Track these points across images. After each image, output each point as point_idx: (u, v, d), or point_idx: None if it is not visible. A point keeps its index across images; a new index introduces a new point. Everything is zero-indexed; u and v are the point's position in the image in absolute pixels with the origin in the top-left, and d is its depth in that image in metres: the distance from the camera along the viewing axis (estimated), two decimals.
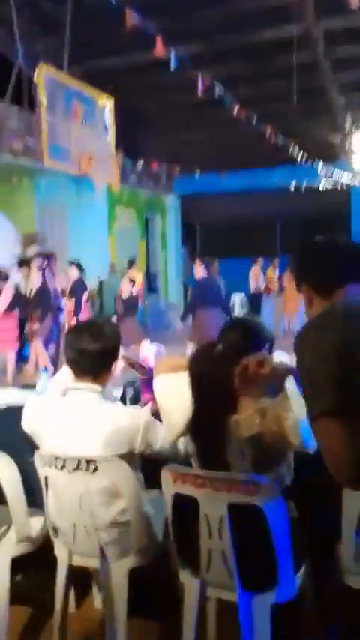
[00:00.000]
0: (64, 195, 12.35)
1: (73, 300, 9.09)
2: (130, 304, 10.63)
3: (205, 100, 8.70)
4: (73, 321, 8.61)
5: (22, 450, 2.53)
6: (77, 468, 1.97)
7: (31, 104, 10.01)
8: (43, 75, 8.55)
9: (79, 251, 13.02)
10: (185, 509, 1.89)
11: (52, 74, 9.07)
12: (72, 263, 9.52)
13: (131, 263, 12.21)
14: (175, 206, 16.66)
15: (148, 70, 10.76)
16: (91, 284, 12.19)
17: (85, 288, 9.56)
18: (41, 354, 8.02)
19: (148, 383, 2.64)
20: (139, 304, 11.44)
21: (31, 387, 3.17)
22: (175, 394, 2.03)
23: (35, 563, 2.37)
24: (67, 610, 2.25)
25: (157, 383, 2.19)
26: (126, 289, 10.55)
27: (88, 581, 2.53)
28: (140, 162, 12.18)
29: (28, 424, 2.20)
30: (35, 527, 2.30)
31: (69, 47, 10.51)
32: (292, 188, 14.22)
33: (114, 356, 2.19)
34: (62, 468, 2.00)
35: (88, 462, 1.96)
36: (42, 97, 8.47)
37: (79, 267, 9.35)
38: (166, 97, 12.17)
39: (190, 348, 2.44)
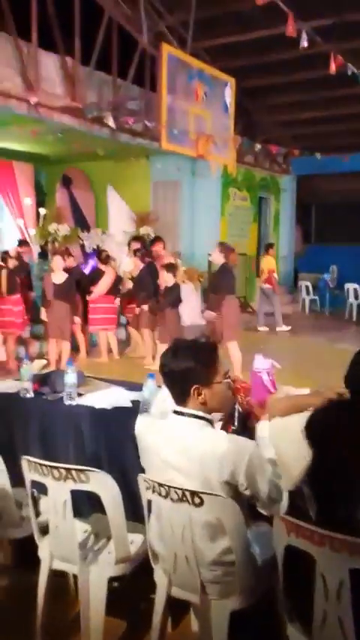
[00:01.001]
0: (179, 174, 12.28)
1: None
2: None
3: (328, 77, 8.15)
4: None
5: (128, 453, 2.48)
6: (181, 499, 1.85)
7: (153, 84, 9.99)
8: (166, 54, 8.40)
9: (190, 231, 13.00)
10: (298, 559, 1.70)
11: (175, 53, 8.92)
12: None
13: (269, 247, 12.07)
14: (290, 187, 16.09)
15: (270, 47, 10.31)
16: (199, 265, 12.13)
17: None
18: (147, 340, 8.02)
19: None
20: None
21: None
22: (293, 439, 1.83)
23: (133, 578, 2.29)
24: (165, 634, 2.16)
25: (273, 426, 2.01)
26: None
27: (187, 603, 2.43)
28: (258, 143, 11.78)
29: (138, 439, 2.12)
30: (136, 545, 2.22)
31: (193, 25, 10.32)
32: None
33: (197, 378, 1.99)
34: (166, 496, 1.88)
35: (193, 494, 1.83)
36: (163, 77, 8.36)
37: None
38: (288, 75, 11.62)
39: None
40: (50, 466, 2.03)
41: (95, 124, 9.74)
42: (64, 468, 2.02)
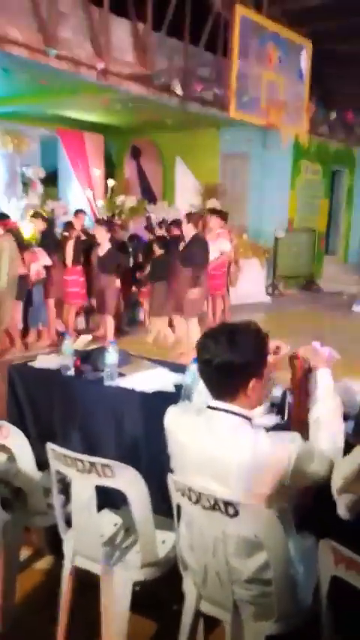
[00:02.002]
0: (249, 146, 11.81)
1: None
2: None
3: None
4: None
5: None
6: (213, 507, 1.62)
7: (226, 51, 9.55)
8: (239, 15, 7.95)
9: (258, 206, 12.55)
10: (349, 591, 1.44)
11: (248, 15, 8.44)
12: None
13: None
14: None
15: (353, 11, 9.58)
16: (266, 241, 11.71)
17: None
18: None
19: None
20: None
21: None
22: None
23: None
24: None
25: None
26: None
27: None
28: (334, 112, 11.09)
29: (167, 434, 1.88)
30: (167, 546, 2.03)
31: None
32: None
33: (255, 372, 1.73)
34: (197, 502, 1.66)
35: (227, 504, 1.59)
36: (235, 40, 7.93)
37: None
38: None
39: None
40: (74, 458, 1.86)
41: (164, 93, 9.44)
42: (88, 461, 1.83)
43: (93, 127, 12.37)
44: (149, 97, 9.51)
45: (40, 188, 11.75)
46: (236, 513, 1.59)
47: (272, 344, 1.88)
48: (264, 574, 1.69)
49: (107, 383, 2.78)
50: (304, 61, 9.90)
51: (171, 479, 1.75)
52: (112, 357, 2.76)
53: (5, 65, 7.54)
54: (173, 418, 1.85)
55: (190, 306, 6.32)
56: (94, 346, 3.33)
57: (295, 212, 12.68)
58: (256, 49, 8.73)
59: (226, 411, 1.73)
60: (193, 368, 2.54)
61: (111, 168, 13.75)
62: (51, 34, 7.87)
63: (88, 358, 3.05)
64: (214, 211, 8.44)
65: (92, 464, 1.83)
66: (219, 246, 7.89)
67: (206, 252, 6.59)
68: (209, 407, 1.77)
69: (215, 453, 1.68)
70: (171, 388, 2.72)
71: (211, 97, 9.81)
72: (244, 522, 1.61)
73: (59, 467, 1.94)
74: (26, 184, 11.75)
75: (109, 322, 6.89)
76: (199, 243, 6.46)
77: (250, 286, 11.02)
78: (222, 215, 8.23)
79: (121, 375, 2.91)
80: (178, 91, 8.16)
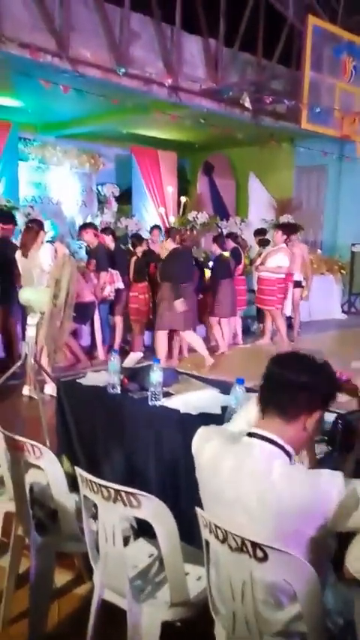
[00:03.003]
0: (325, 159, 11.49)
1: None
2: None
3: None
4: None
5: None
6: (241, 549, 1.45)
7: (299, 63, 9.37)
8: (311, 25, 7.77)
9: (334, 219, 12.16)
10: None
11: (321, 25, 8.24)
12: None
13: None
14: None
15: None
16: (342, 256, 11.29)
17: None
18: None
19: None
20: None
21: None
22: None
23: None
24: None
25: None
26: None
27: None
28: None
29: (197, 461, 1.74)
30: (200, 584, 1.87)
31: None
32: None
33: (323, 404, 1.64)
34: (223, 541, 1.50)
35: (255, 545, 1.43)
36: (307, 51, 7.74)
37: None
38: None
39: None
40: (100, 484, 1.75)
41: (235, 107, 9.38)
42: (113, 489, 1.72)
43: (166, 145, 12.49)
44: (220, 111, 9.48)
45: (114, 206, 11.99)
46: (265, 557, 1.42)
47: None
48: (296, 625, 1.50)
49: (151, 403, 2.67)
50: None
51: (199, 513, 1.60)
52: (156, 376, 2.65)
53: (79, 86, 7.74)
54: (200, 442, 1.71)
55: (177, 320, 6.15)
56: (144, 364, 3.24)
57: None
58: (330, 60, 8.51)
59: (267, 439, 1.57)
60: (239, 389, 2.39)
61: (184, 185, 13.82)
62: (122, 53, 8.02)
63: (135, 376, 2.96)
64: (279, 226, 8.27)
65: (117, 492, 1.71)
66: (276, 261, 7.70)
67: (187, 265, 6.41)
68: (249, 433, 1.62)
69: (245, 488, 1.52)
70: (217, 410, 2.57)
71: (283, 110, 9.64)
72: (274, 568, 1.43)
73: (87, 492, 1.84)
74: (102, 202, 12.03)
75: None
76: (178, 257, 6.26)
77: (325, 303, 10.65)
78: (285, 229, 8.03)
79: (168, 394, 2.80)
80: (247, 103, 8.04)
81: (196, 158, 13.91)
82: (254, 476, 1.52)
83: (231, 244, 7.86)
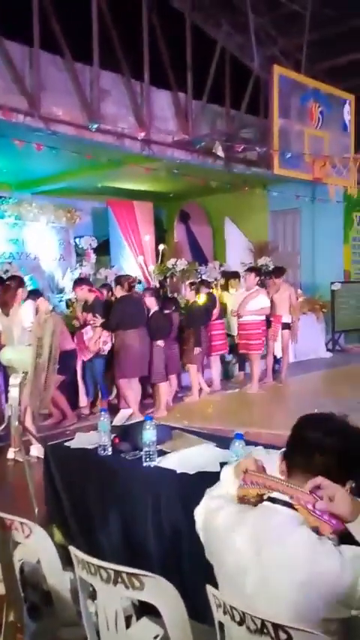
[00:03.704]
0: (299, 202, 11.71)
1: None
2: None
3: None
4: None
5: None
6: (261, 631, 1.31)
7: (267, 112, 9.65)
8: (277, 75, 8.02)
9: (311, 260, 12.29)
10: None
11: (287, 74, 8.51)
12: None
13: None
14: None
15: None
16: (321, 295, 11.35)
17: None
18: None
19: None
20: None
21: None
22: None
23: None
24: None
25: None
26: None
27: None
28: None
29: (200, 533, 1.59)
30: None
31: (307, 46, 9.87)
32: None
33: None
34: (241, 623, 1.35)
35: (277, 627, 1.28)
36: (274, 100, 7.96)
37: None
38: None
39: None
40: (98, 565, 1.59)
41: (208, 157, 9.55)
42: (113, 570, 1.56)
43: (142, 195, 12.64)
44: (194, 162, 9.65)
45: (93, 257, 11.97)
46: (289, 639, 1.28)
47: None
48: None
49: (146, 464, 2.52)
50: (348, 114, 9.83)
51: (210, 591, 1.45)
52: (149, 435, 2.52)
53: (52, 143, 7.81)
54: (208, 514, 1.57)
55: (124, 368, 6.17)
56: (134, 420, 3.10)
57: (349, 264, 12.32)
58: (297, 107, 8.76)
59: (289, 505, 1.44)
60: (239, 445, 2.27)
61: (161, 233, 13.93)
62: (94, 110, 8.16)
63: (127, 435, 2.82)
64: (250, 269, 8.30)
65: (118, 573, 1.56)
66: (259, 303, 7.70)
67: (133, 311, 6.37)
68: (270, 498, 1.49)
69: (263, 562, 1.38)
70: (216, 467, 2.43)
71: (254, 157, 9.85)
72: None
73: (83, 574, 1.68)
74: (80, 255, 12.01)
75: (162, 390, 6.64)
76: (125, 304, 6.33)
77: (309, 342, 10.62)
78: (257, 272, 8.08)
79: (162, 452, 2.66)
80: (220, 152, 8.19)
81: (171, 207, 14.09)
82: (270, 548, 1.39)
83: (205, 290, 7.84)
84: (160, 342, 6.45)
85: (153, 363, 6.40)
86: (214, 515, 1.56)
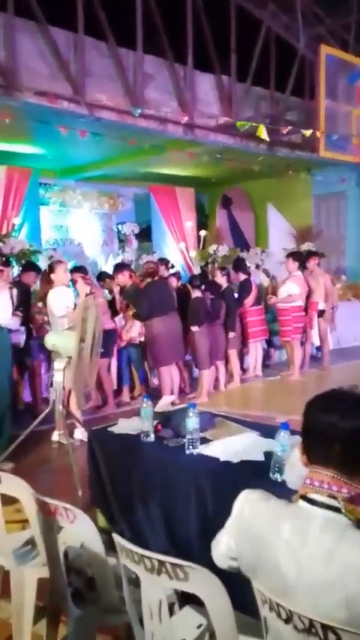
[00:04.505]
0: (344, 186, 11.42)
1: None
2: None
3: None
4: None
5: None
6: (309, 631, 1.27)
7: (313, 93, 9.40)
8: (324, 54, 7.78)
9: (356, 245, 11.99)
10: None
11: (335, 53, 8.25)
12: None
13: None
14: None
15: None
16: None
17: None
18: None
19: None
20: None
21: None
22: None
23: None
24: None
25: None
26: None
27: None
28: None
29: (243, 527, 1.53)
30: None
31: (355, 25, 9.55)
32: None
33: None
34: (287, 621, 1.32)
35: (326, 628, 1.24)
36: (321, 80, 7.73)
37: None
38: None
39: None
40: (141, 555, 1.58)
41: (251, 141, 9.39)
42: (157, 559, 1.55)
43: (184, 181, 12.57)
44: (236, 146, 9.50)
45: (135, 243, 12.01)
46: None
47: None
48: None
49: (189, 451, 2.51)
50: None
51: (255, 587, 1.41)
52: (192, 422, 2.49)
53: (96, 130, 7.82)
54: (248, 509, 1.51)
55: (157, 357, 6.16)
56: (177, 407, 3.09)
57: None
58: (345, 87, 8.49)
59: (327, 506, 1.37)
60: (284, 435, 2.22)
61: (203, 219, 13.84)
62: (137, 95, 8.11)
63: (169, 421, 2.80)
64: (289, 254, 8.13)
65: (161, 563, 1.54)
66: (286, 290, 7.57)
67: (132, 300, 6.32)
68: (302, 497, 1.42)
69: (307, 568, 1.33)
70: (260, 457, 2.40)
71: (299, 140, 9.62)
72: None
73: (127, 562, 1.68)
74: (122, 241, 12.07)
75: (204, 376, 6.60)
76: (148, 292, 6.19)
77: (352, 329, 10.40)
78: (295, 257, 7.89)
79: (205, 440, 2.64)
80: (264, 136, 8.02)
81: (213, 192, 13.97)
82: (315, 553, 1.33)
83: (241, 276, 7.74)
84: (194, 328, 6.32)
85: (196, 350, 6.37)
86: (254, 508, 1.50)
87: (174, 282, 7.13)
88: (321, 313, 8.16)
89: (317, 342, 8.34)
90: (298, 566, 1.35)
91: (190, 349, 6.67)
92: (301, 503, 1.41)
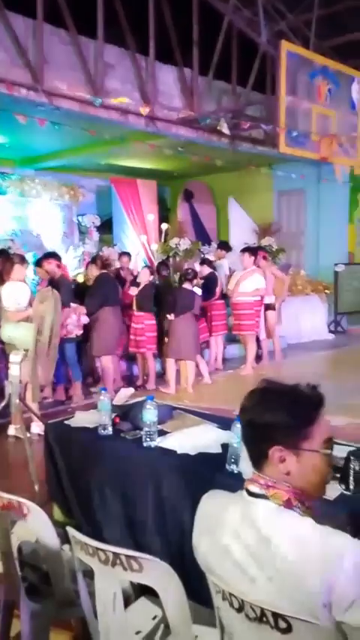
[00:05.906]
0: (304, 182, 11.57)
1: None
2: None
3: None
4: None
5: None
6: (260, 619, 1.29)
7: (274, 89, 9.46)
8: (285, 51, 7.84)
9: (315, 241, 12.19)
10: None
11: (295, 50, 8.32)
12: None
13: None
14: None
15: None
16: (325, 277, 11.28)
17: None
18: None
19: None
20: None
21: None
22: None
23: None
24: None
25: None
26: None
27: None
28: None
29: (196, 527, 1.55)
30: None
31: (317, 22, 9.65)
32: None
33: (280, 438, 1.38)
34: (239, 610, 1.33)
35: (276, 616, 1.26)
36: (282, 76, 7.79)
37: None
38: None
39: None
40: (96, 547, 1.57)
41: (213, 135, 9.40)
42: (112, 552, 1.54)
43: (146, 174, 12.50)
44: (198, 140, 9.50)
45: (96, 235, 11.90)
46: (289, 628, 1.25)
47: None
48: None
49: (146, 444, 2.50)
50: (356, 92, 9.65)
51: (209, 578, 1.42)
52: (150, 414, 2.49)
53: (55, 119, 7.69)
54: (206, 511, 1.53)
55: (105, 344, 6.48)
56: (135, 400, 3.08)
57: (354, 245, 12.22)
58: (305, 84, 8.58)
59: (262, 496, 1.40)
60: (239, 426, 2.23)
61: (165, 213, 13.82)
62: (98, 85, 8.00)
63: (127, 414, 2.79)
64: (244, 249, 8.19)
65: (116, 555, 1.54)
66: (253, 284, 7.62)
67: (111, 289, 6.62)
68: (246, 490, 1.44)
69: (255, 553, 1.35)
70: (217, 449, 2.41)
71: (260, 135, 9.69)
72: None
73: (81, 555, 1.66)
74: (83, 233, 11.93)
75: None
76: (99, 283, 6.55)
77: (311, 324, 10.60)
78: (250, 251, 7.97)
79: (163, 432, 2.64)
80: (225, 130, 8.05)
81: (175, 185, 13.95)
82: (258, 538, 1.35)
83: (206, 270, 7.76)
84: (170, 316, 6.60)
85: (181, 340, 6.57)
86: (208, 508, 1.53)
87: (147, 275, 7.08)
88: (268, 307, 8.25)
89: (263, 336, 8.39)
90: (246, 554, 1.36)
91: (172, 340, 6.69)
92: (245, 495, 1.44)
